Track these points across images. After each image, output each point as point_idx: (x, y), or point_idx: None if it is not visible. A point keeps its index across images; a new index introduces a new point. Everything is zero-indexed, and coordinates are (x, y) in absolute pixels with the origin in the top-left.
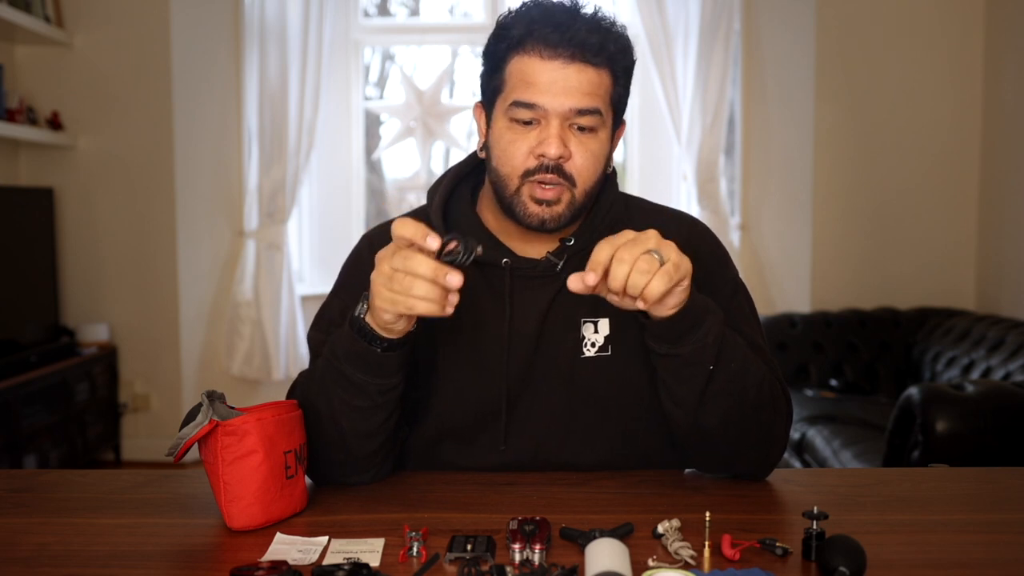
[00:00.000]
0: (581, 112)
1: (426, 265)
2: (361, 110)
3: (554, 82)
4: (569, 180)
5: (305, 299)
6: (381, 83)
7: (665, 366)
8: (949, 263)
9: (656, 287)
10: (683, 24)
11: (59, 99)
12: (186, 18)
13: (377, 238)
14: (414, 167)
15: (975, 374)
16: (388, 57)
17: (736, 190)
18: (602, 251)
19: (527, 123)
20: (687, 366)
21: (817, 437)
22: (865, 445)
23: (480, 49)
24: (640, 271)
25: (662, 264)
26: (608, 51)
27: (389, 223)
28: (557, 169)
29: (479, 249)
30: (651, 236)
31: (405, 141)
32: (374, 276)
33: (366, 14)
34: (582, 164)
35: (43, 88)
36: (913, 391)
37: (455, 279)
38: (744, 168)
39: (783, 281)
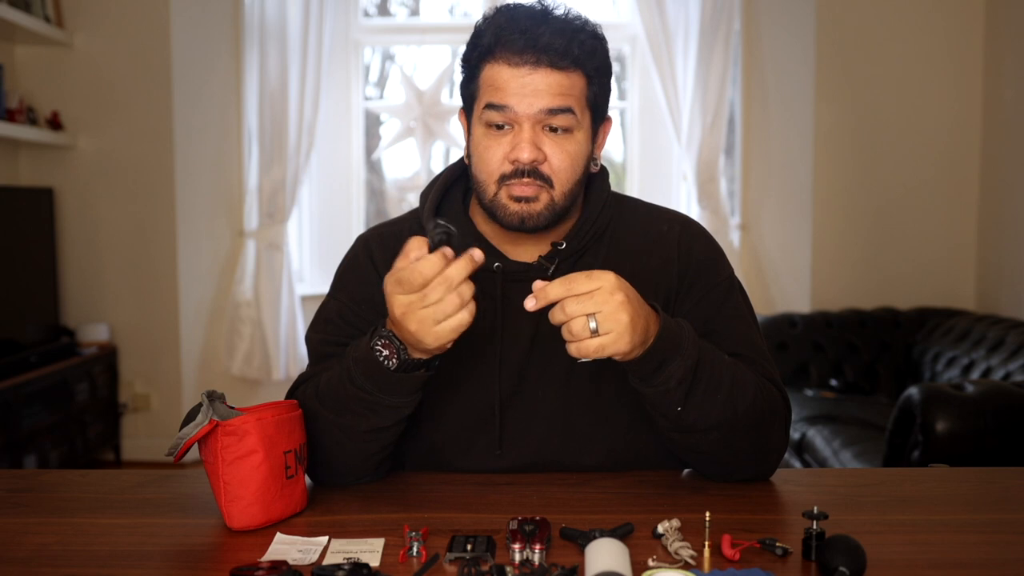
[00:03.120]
0: (552, 111)
1: (432, 263)
2: (361, 110)
3: (523, 87)
4: (547, 182)
5: (305, 299)
6: (381, 83)
7: (639, 394)
8: (949, 263)
9: (572, 350)
10: (683, 24)
11: (59, 99)
12: (186, 18)
13: (373, 239)
14: (414, 167)
15: (975, 374)
16: (388, 57)
17: (736, 190)
18: (555, 289)
19: (500, 127)
20: (654, 406)
21: (817, 437)
22: (865, 445)
23: None
24: (569, 330)
25: (594, 333)
26: (573, 54)
27: (384, 224)
28: (533, 172)
29: (451, 228)
30: (603, 298)
31: (405, 141)
32: (413, 329)
33: (366, 14)
34: (559, 165)
35: (43, 88)
36: (913, 391)
37: (477, 255)
38: (744, 168)
39: (783, 281)
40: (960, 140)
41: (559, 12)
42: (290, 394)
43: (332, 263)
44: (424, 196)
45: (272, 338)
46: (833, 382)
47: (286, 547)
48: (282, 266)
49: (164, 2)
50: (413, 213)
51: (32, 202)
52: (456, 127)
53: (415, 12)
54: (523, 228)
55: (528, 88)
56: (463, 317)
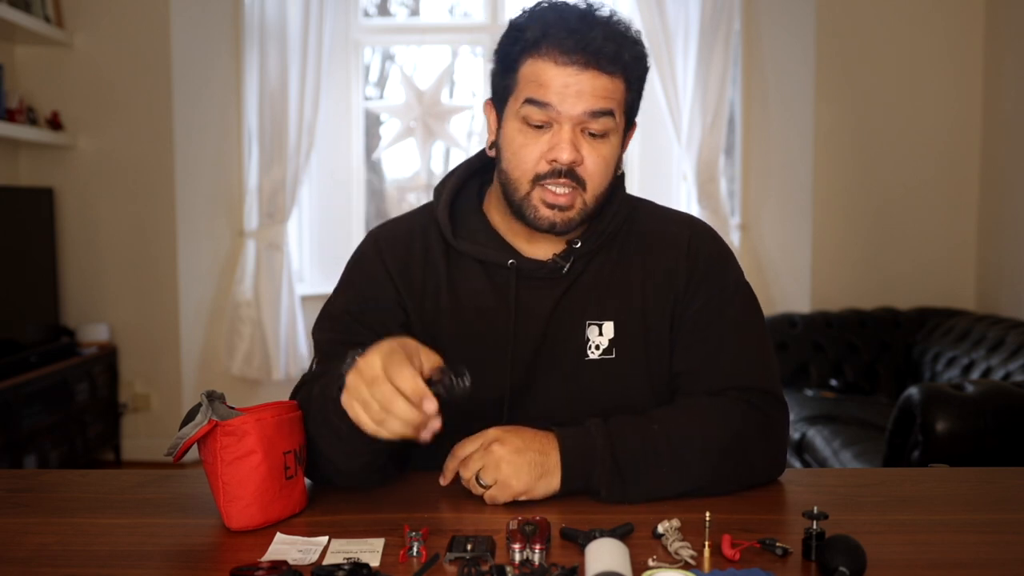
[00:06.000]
0: (594, 114)
1: (411, 380)
2: (361, 110)
3: (567, 86)
4: (581, 184)
5: (305, 299)
6: (381, 83)
7: None
8: (949, 263)
9: (488, 501)
10: (683, 24)
11: (59, 99)
12: (186, 18)
13: (383, 238)
14: (414, 167)
15: (975, 374)
16: (388, 57)
17: (736, 190)
18: (451, 463)
19: (539, 127)
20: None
21: (817, 437)
22: (865, 445)
23: (480, 49)
24: (474, 491)
25: (484, 487)
26: (623, 60)
27: (395, 221)
28: (569, 173)
29: (467, 381)
30: (480, 455)
31: (405, 141)
32: (351, 414)
33: (366, 14)
34: (594, 169)
35: (43, 88)
36: (913, 391)
37: (431, 405)
38: (744, 168)
39: (783, 281)
40: (960, 140)
41: (604, 13)
42: (294, 392)
43: (332, 263)
44: (439, 190)
45: (272, 338)
46: (833, 382)
47: (286, 547)
48: (282, 266)
49: (164, 2)
50: (423, 210)
51: (32, 202)
52: (456, 127)
53: (415, 12)
54: (553, 232)
55: (573, 88)
56: (391, 422)
